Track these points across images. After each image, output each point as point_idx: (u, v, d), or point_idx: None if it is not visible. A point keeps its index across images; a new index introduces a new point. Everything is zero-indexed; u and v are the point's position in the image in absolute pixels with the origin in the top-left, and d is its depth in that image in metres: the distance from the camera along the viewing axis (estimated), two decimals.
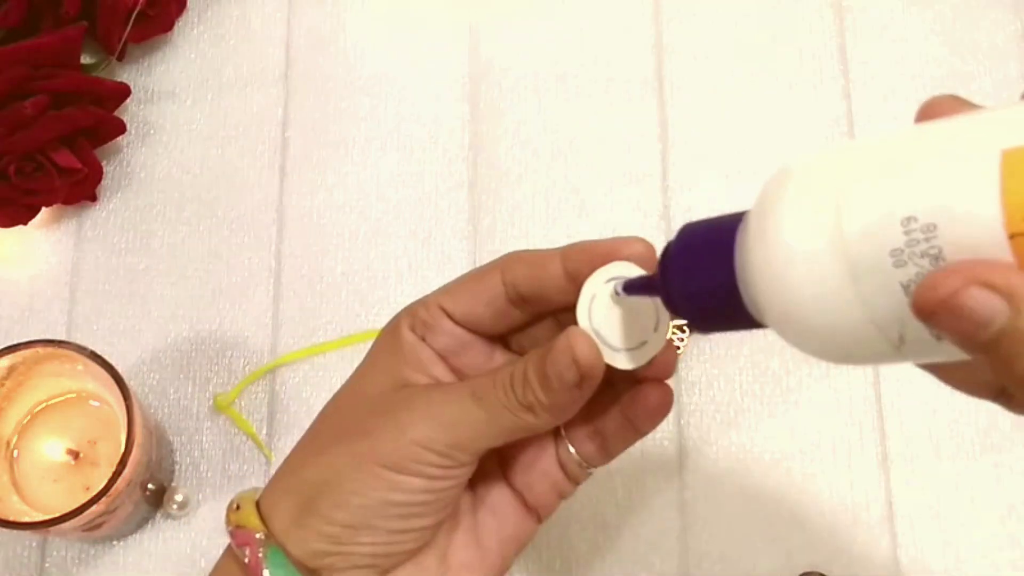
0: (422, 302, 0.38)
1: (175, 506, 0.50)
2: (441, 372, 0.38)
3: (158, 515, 0.51)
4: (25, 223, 0.54)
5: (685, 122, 0.57)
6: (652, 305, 0.34)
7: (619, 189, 0.56)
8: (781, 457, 0.51)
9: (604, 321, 0.34)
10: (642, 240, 0.36)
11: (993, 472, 0.51)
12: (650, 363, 0.35)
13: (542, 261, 0.36)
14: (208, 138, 0.57)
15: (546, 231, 0.55)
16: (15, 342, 0.45)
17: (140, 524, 0.51)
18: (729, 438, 0.52)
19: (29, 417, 0.49)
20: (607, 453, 0.39)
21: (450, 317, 0.38)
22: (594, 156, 0.56)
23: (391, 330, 0.39)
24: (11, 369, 0.46)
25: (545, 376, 0.34)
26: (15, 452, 0.48)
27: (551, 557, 0.50)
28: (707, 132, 0.57)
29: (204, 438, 0.52)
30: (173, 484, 0.51)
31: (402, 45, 0.59)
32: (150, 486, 0.48)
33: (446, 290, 0.38)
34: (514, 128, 0.57)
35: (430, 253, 0.55)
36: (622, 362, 0.34)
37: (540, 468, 0.39)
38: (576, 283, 0.35)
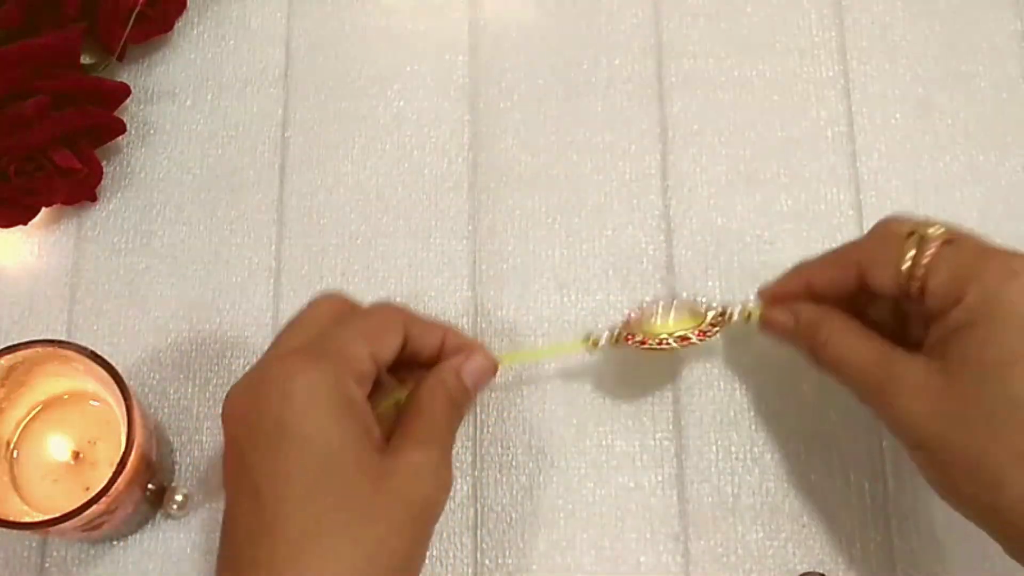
0: (356, 355, 0.41)
1: (175, 506, 0.50)
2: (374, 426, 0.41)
3: (158, 515, 0.51)
4: (25, 223, 0.54)
5: (685, 122, 0.57)
6: None
7: (619, 189, 0.56)
8: (781, 457, 0.51)
9: None
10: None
11: None
12: None
13: (432, 330, 0.45)
14: (208, 138, 0.57)
15: (546, 231, 0.55)
16: (15, 342, 0.45)
17: (140, 524, 0.51)
18: (729, 438, 0.52)
19: (29, 417, 0.49)
20: None
21: (375, 365, 0.42)
22: (594, 156, 0.56)
23: (332, 388, 0.39)
24: (11, 369, 0.46)
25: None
26: (15, 452, 0.48)
27: (550, 557, 0.50)
28: (707, 132, 0.57)
29: (204, 438, 0.52)
30: (173, 484, 0.51)
31: (402, 45, 0.59)
32: (150, 486, 0.48)
33: (374, 339, 0.42)
34: (514, 128, 0.57)
35: (430, 253, 0.55)
36: None
37: None
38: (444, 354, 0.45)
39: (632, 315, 0.50)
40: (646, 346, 0.49)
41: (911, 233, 0.43)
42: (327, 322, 0.43)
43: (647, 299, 0.53)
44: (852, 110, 0.57)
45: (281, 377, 0.40)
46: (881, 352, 0.43)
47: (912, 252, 0.42)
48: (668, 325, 0.49)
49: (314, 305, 0.45)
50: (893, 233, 0.44)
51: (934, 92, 0.57)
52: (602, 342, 0.49)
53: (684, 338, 0.48)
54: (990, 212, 0.55)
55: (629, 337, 0.49)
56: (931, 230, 0.43)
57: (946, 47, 0.58)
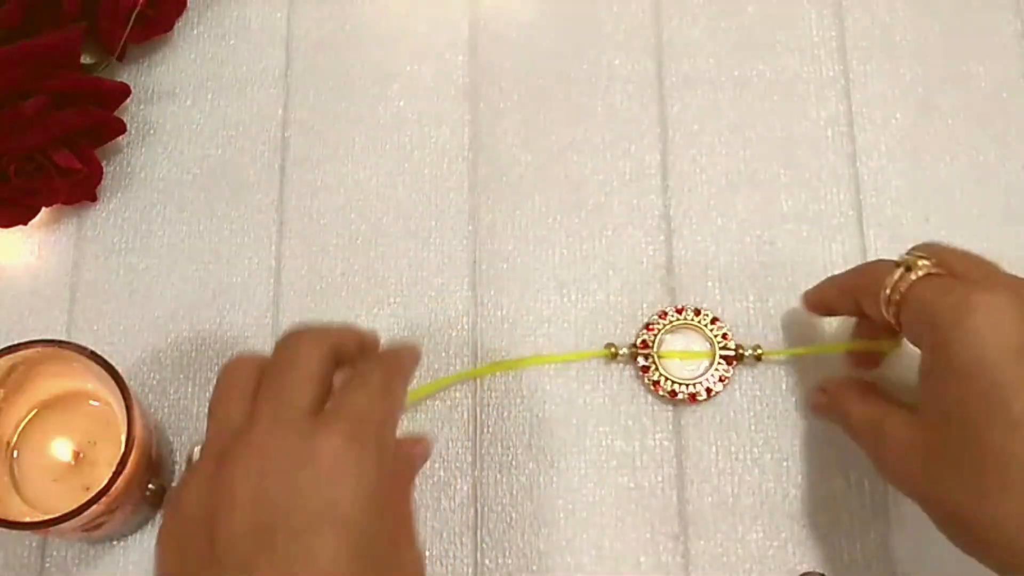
0: (390, 426, 0.39)
1: None
2: None
3: (158, 515, 0.51)
4: (25, 223, 0.54)
5: (685, 122, 0.57)
6: None
7: (619, 189, 0.56)
8: (781, 457, 0.51)
9: None
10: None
11: None
12: None
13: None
14: (208, 138, 0.57)
15: (546, 231, 0.55)
16: (15, 342, 0.45)
17: (140, 524, 0.51)
18: (729, 438, 0.52)
19: (29, 417, 0.49)
20: None
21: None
22: (594, 156, 0.56)
23: (387, 461, 0.38)
24: (11, 369, 0.46)
25: None
26: (15, 452, 0.48)
27: (550, 557, 0.50)
28: (707, 132, 0.57)
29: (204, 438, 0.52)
30: (173, 484, 0.51)
31: (402, 45, 0.59)
32: (150, 486, 0.48)
33: (399, 404, 0.41)
34: (514, 128, 0.57)
35: (430, 253, 0.55)
36: None
37: None
38: None
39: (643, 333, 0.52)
40: (658, 389, 0.51)
41: (901, 263, 0.42)
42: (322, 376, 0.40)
43: (657, 312, 0.53)
44: (852, 110, 0.57)
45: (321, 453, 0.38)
46: (875, 410, 0.44)
47: (893, 282, 0.41)
48: (676, 351, 0.51)
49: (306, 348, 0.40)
50: (885, 262, 0.43)
51: (934, 92, 0.57)
52: (621, 353, 0.52)
53: (693, 396, 0.51)
54: (990, 212, 0.55)
55: (644, 346, 0.52)
56: (921, 261, 0.41)
57: (946, 47, 0.58)
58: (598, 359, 0.52)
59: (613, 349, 0.52)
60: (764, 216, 0.55)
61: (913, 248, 0.44)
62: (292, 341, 0.40)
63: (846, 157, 0.56)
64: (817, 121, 0.57)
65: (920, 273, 0.41)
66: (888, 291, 0.41)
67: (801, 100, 0.57)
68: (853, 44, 0.58)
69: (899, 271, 0.42)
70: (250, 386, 0.39)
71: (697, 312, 0.52)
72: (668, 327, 0.52)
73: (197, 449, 0.44)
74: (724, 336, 0.52)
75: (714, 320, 0.52)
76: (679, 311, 0.52)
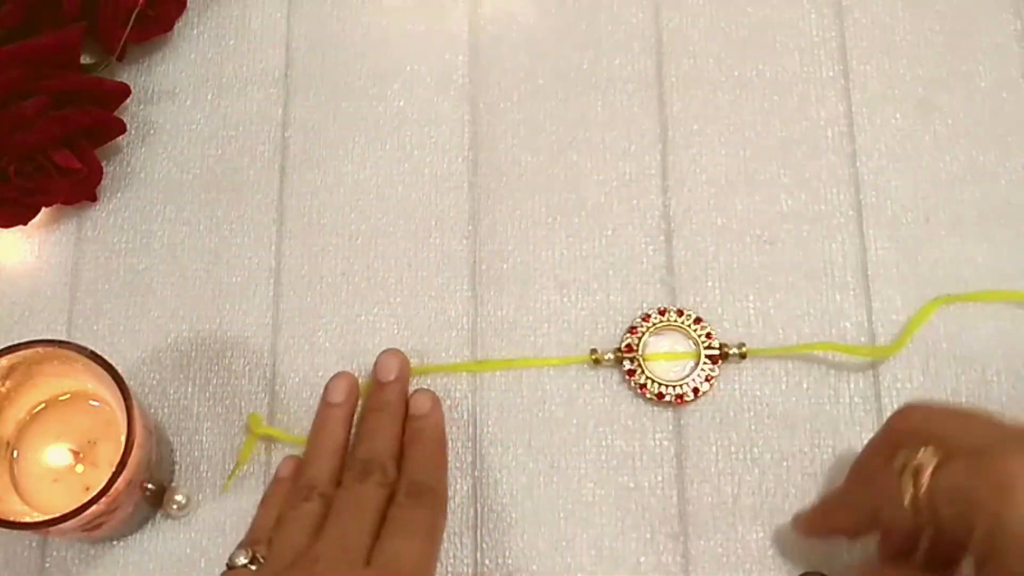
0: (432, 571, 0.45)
1: (175, 506, 0.50)
2: None
3: (158, 515, 0.51)
4: (25, 223, 0.54)
5: (685, 122, 0.57)
6: None
7: (619, 189, 0.56)
8: (781, 457, 0.51)
9: None
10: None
11: None
12: None
13: None
14: (208, 138, 0.57)
15: (546, 231, 0.55)
16: (15, 342, 0.45)
17: (140, 524, 0.51)
18: (729, 438, 0.52)
19: (29, 417, 0.49)
20: None
21: None
22: (594, 156, 0.56)
23: None
24: (11, 369, 0.46)
25: None
26: (15, 452, 0.48)
27: (550, 557, 0.50)
28: (707, 132, 0.56)
29: (204, 438, 0.52)
30: (173, 484, 0.51)
31: (402, 45, 0.59)
32: (150, 486, 0.48)
33: (439, 545, 0.48)
34: (514, 128, 0.57)
35: (430, 253, 0.55)
36: None
37: None
38: None
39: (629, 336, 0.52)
40: (645, 392, 0.52)
41: (903, 468, 0.41)
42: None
43: (642, 312, 0.53)
44: (852, 110, 0.57)
45: None
46: None
47: (910, 490, 0.40)
48: (661, 353, 0.51)
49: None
50: (886, 474, 0.41)
51: (934, 92, 0.57)
52: (606, 358, 0.52)
53: (680, 397, 0.51)
54: (990, 212, 0.55)
55: (629, 350, 0.52)
56: (920, 456, 0.40)
57: (946, 47, 0.58)
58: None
59: (596, 355, 0.52)
60: (764, 216, 0.55)
61: (898, 434, 0.43)
62: (358, 486, 0.47)
63: (846, 157, 0.56)
64: (817, 121, 0.57)
65: (931, 469, 0.40)
66: (910, 502, 0.40)
67: (801, 100, 0.57)
68: (853, 44, 0.58)
69: (907, 475, 0.40)
70: (310, 520, 0.46)
71: (680, 313, 0.52)
72: (651, 329, 0.52)
73: (240, 556, 0.45)
74: (708, 336, 0.52)
75: (697, 320, 0.52)
76: (662, 312, 0.52)
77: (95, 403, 0.49)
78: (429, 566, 0.45)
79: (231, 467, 0.51)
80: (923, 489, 0.39)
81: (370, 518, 0.45)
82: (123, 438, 0.44)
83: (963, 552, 0.39)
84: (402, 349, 0.53)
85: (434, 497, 0.47)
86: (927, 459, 0.40)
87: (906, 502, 0.40)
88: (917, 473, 0.40)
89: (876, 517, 0.43)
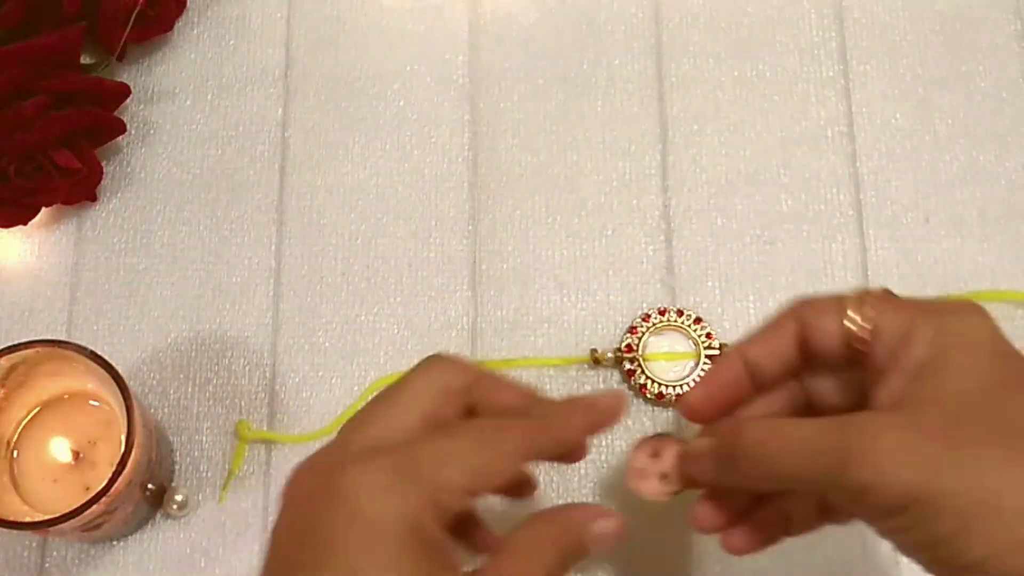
0: (448, 485, 0.33)
1: (175, 506, 0.50)
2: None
3: (158, 515, 0.51)
4: (25, 223, 0.54)
5: (685, 122, 0.57)
6: None
7: (619, 189, 0.56)
8: None
9: None
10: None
11: None
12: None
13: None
14: (208, 138, 0.57)
15: (546, 231, 0.55)
16: (15, 342, 0.45)
17: (140, 524, 0.51)
18: None
19: (29, 417, 0.49)
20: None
21: (471, 493, 0.34)
22: (594, 156, 0.56)
23: (416, 529, 0.32)
24: (11, 369, 0.46)
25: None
26: (15, 452, 0.48)
27: None
28: (707, 132, 0.57)
29: (204, 438, 0.52)
30: (173, 484, 0.51)
31: (402, 45, 0.59)
32: (150, 486, 0.48)
33: (479, 468, 0.34)
34: (514, 128, 0.57)
35: (430, 253, 0.55)
36: None
37: None
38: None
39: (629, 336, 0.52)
40: (645, 392, 0.52)
41: (850, 297, 0.39)
42: (432, 410, 0.37)
43: (642, 312, 0.53)
44: (852, 110, 0.57)
45: (352, 491, 0.33)
46: (829, 424, 0.35)
47: (854, 302, 0.38)
48: (661, 353, 0.51)
49: (426, 372, 0.38)
50: (830, 294, 0.39)
51: (934, 92, 0.57)
52: (607, 358, 0.52)
53: (680, 397, 0.51)
54: (990, 212, 0.55)
55: (629, 350, 0.52)
56: (870, 291, 0.39)
57: (946, 47, 0.58)
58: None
59: (596, 355, 0.52)
60: (764, 216, 0.55)
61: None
62: (500, 424, 0.37)
63: (846, 157, 0.56)
64: (817, 121, 0.57)
65: (877, 294, 0.38)
66: (853, 311, 0.38)
67: (801, 100, 0.57)
68: (853, 44, 0.58)
69: (852, 296, 0.38)
70: (417, 414, 0.37)
71: (680, 313, 0.52)
72: (651, 329, 0.52)
73: None
74: (708, 336, 0.52)
75: (697, 320, 0.52)
76: (662, 312, 0.52)
77: (95, 403, 0.49)
78: None
79: (231, 466, 0.51)
80: (870, 304, 0.37)
81: (449, 399, 0.38)
82: (123, 438, 0.44)
83: (874, 392, 0.37)
84: (402, 349, 0.53)
85: None
86: (876, 291, 0.38)
87: (848, 312, 0.37)
88: (865, 293, 0.38)
89: (802, 333, 0.38)
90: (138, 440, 0.44)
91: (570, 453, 0.39)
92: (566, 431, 0.38)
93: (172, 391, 0.53)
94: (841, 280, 0.54)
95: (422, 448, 0.34)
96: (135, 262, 0.55)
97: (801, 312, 0.39)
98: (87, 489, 0.46)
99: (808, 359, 0.39)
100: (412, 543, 0.32)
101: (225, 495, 0.51)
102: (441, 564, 0.33)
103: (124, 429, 0.44)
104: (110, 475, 0.43)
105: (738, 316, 0.53)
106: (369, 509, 0.32)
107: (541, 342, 0.53)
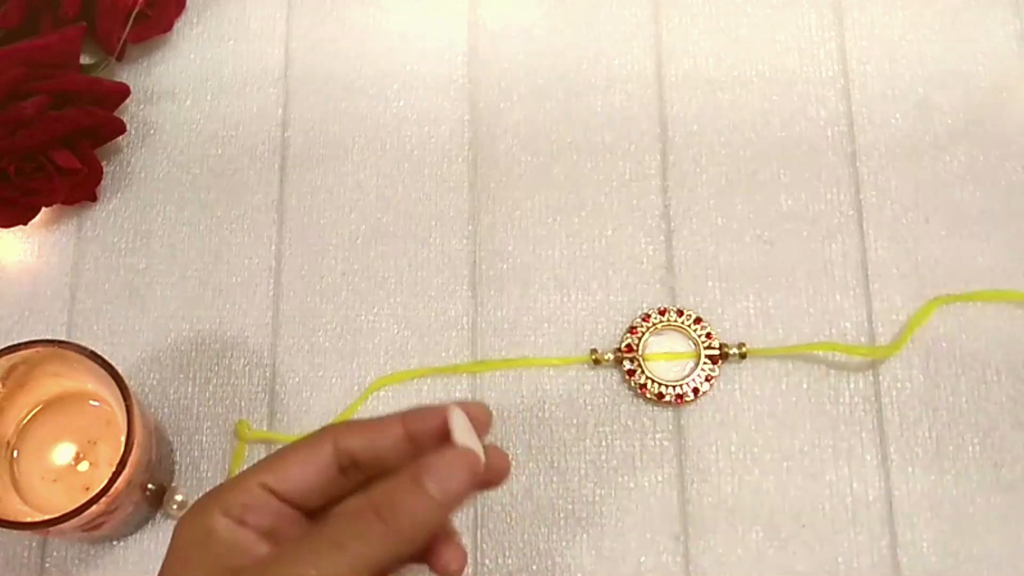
0: (236, 485, 0.36)
1: (175, 506, 0.50)
2: (266, 552, 0.36)
3: (158, 515, 0.51)
4: (25, 223, 0.54)
5: (685, 122, 0.57)
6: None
7: (619, 189, 0.56)
8: (781, 457, 0.51)
9: (470, 441, 0.37)
10: (480, 404, 0.39)
11: (993, 472, 0.51)
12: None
13: (380, 427, 0.38)
14: (208, 138, 0.57)
15: (546, 231, 0.55)
16: (15, 342, 0.45)
17: (140, 524, 0.51)
18: (729, 438, 0.52)
19: (29, 417, 0.49)
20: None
21: (275, 495, 0.37)
22: (594, 156, 0.56)
23: (196, 522, 0.36)
24: (11, 369, 0.46)
25: (421, 491, 0.35)
26: (15, 452, 0.48)
27: (550, 559, 0.50)
28: (707, 132, 0.57)
29: (204, 438, 0.52)
30: (173, 484, 0.51)
31: (402, 45, 0.59)
32: (150, 486, 0.48)
33: (269, 467, 0.37)
34: (514, 128, 0.57)
35: (430, 253, 0.55)
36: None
37: None
38: (416, 443, 0.37)
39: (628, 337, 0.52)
40: (645, 392, 0.52)
41: None
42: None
43: (642, 312, 0.53)
44: (852, 110, 0.57)
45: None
46: None
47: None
48: (661, 353, 0.51)
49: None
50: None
51: (934, 92, 0.57)
52: (607, 358, 0.52)
53: (680, 397, 0.51)
54: (990, 212, 0.55)
55: (629, 350, 0.52)
56: None
57: (946, 47, 0.58)
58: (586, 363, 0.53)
59: (596, 355, 0.52)
60: (764, 216, 0.55)
61: None
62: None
63: (846, 157, 0.56)
64: (817, 121, 0.57)
65: None
66: None
67: (801, 100, 0.57)
68: (853, 44, 0.58)
69: None
70: None
71: (680, 313, 0.52)
72: (652, 329, 0.52)
73: None
74: (708, 335, 0.52)
75: (697, 320, 0.52)
76: (662, 312, 0.53)
77: (95, 403, 0.49)
78: None
79: (231, 467, 0.51)
80: None
81: None
82: (123, 438, 0.44)
83: None
84: (402, 349, 0.53)
85: None
86: None
87: None
88: None
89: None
90: (138, 440, 0.44)
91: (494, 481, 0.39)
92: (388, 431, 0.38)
93: (172, 391, 0.53)
94: (841, 280, 0.54)
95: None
96: (135, 262, 0.55)
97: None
98: (87, 489, 0.46)
99: None
100: (190, 538, 0.36)
101: None
102: (225, 548, 0.36)
103: (124, 429, 0.44)
104: (110, 475, 0.43)
105: (738, 316, 0.53)
106: (180, 524, 0.36)
107: (541, 342, 0.53)
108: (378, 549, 0.34)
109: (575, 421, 0.52)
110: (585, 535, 0.50)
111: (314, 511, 0.38)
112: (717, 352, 0.52)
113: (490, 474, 0.38)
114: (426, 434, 0.37)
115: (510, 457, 0.46)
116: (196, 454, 0.52)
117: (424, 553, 0.37)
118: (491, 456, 0.38)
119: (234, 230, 0.56)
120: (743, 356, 0.52)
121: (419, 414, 0.38)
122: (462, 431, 0.37)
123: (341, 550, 0.34)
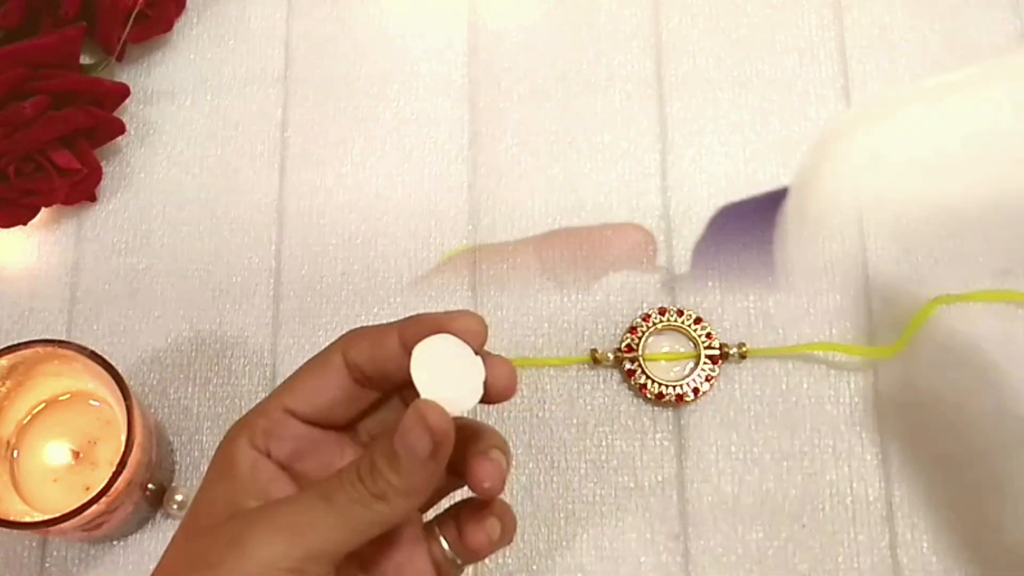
0: (261, 410, 0.36)
1: (175, 506, 0.50)
2: (282, 489, 0.36)
3: (158, 515, 0.51)
4: (25, 223, 0.54)
5: (685, 122, 0.57)
6: (473, 358, 0.35)
7: (619, 189, 0.56)
8: (781, 457, 0.51)
9: (440, 381, 0.34)
10: (474, 314, 0.36)
11: (991, 472, 0.51)
12: (484, 392, 0.35)
13: (380, 337, 0.36)
14: (208, 138, 0.57)
15: (546, 231, 0.55)
16: (15, 342, 0.45)
17: (140, 524, 0.51)
18: (729, 438, 0.52)
19: (29, 417, 0.49)
20: (467, 544, 0.37)
21: (296, 416, 0.36)
22: (594, 156, 0.56)
23: (226, 451, 0.36)
24: (11, 369, 0.46)
25: (395, 456, 0.33)
26: (15, 452, 0.48)
27: (550, 557, 0.50)
28: (707, 132, 0.57)
29: (204, 438, 0.52)
30: (173, 484, 0.51)
31: (402, 45, 0.59)
32: (150, 486, 0.48)
33: (287, 388, 0.36)
34: (514, 128, 0.57)
35: (430, 253, 0.55)
36: (463, 405, 0.34)
37: (412, 571, 0.37)
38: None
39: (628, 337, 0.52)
40: (645, 392, 0.52)
41: None
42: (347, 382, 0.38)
43: (642, 312, 0.53)
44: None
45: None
46: None
47: None
48: (661, 353, 0.51)
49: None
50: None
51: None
52: (607, 359, 0.52)
53: (680, 397, 0.51)
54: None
55: (629, 350, 0.52)
56: None
57: (946, 47, 0.58)
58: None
59: (596, 355, 0.52)
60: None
61: None
62: None
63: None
64: (817, 121, 0.57)
65: None
66: None
67: (801, 100, 0.57)
68: (853, 44, 0.58)
69: None
70: None
71: (680, 313, 0.52)
72: (652, 329, 0.52)
73: None
74: (708, 335, 0.52)
75: (698, 320, 0.52)
76: (662, 312, 0.53)
77: (95, 403, 0.49)
78: None
79: None
80: None
81: None
82: (123, 438, 0.44)
83: None
84: None
85: None
86: None
87: None
88: None
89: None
90: (138, 440, 0.44)
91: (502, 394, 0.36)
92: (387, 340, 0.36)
93: (172, 391, 0.53)
94: (841, 280, 0.54)
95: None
96: (135, 262, 0.55)
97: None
98: (87, 489, 0.46)
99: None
100: (216, 464, 0.37)
101: None
102: (242, 484, 0.36)
103: (124, 429, 0.44)
104: (110, 475, 0.43)
105: (738, 316, 0.53)
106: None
107: (541, 342, 0.53)
108: (370, 512, 0.34)
109: (575, 421, 0.52)
110: (585, 535, 0.50)
111: (346, 426, 0.37)
112: (717, 352, 0.52)
113: (492, 391, 0.35)
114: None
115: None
116: (196, 454, 0.52)
117: (462, 469, 0.36)
118: (493, 369, 0.35)
119: (234, 230, 0.56)
120: (743, 356, 0.52)
121: (415, 326, 0.36)
122: (430, 374, 0.34)
123: (332, 510, 0.34)
